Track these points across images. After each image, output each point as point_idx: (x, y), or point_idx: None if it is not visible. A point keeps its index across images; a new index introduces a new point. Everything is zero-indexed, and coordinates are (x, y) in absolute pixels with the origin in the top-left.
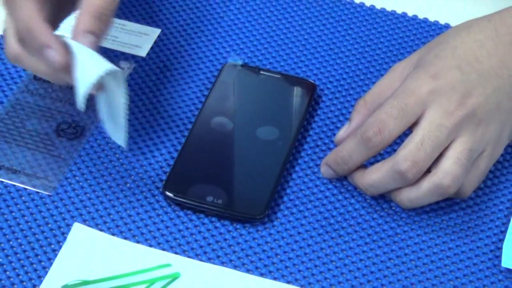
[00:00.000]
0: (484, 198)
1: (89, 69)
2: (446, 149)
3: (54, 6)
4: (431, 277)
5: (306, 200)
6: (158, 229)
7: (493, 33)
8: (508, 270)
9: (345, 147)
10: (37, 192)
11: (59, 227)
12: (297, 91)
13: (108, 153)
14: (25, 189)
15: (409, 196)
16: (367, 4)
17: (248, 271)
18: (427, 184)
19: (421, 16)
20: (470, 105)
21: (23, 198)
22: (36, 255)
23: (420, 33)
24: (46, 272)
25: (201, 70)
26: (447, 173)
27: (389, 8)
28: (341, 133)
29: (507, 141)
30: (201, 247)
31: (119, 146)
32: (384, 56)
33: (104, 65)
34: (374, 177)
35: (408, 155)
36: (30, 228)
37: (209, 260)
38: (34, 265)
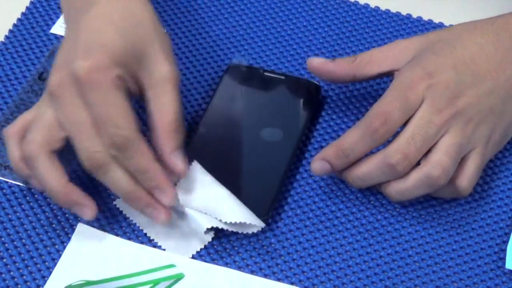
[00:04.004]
0: (488, 199)
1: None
2: (435, 144)
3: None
4: (435, 279)
5: (310, 201)
6: None
7: (494, 37)
8: None
9: (347, 140)
10: (41, 192)
11: (63, 228)
12: (301, 92)
13: None
14: (30, 189)
15: (399, 187)
16: (372, 5)
17: (251, 272)
18: (416, 175)
19: (425, 18)
20: (460, 104)
21: (28, 198)
22: (40, 255)
23: None
24: (50, 273)
25: (206, 71)
26: (437, 163)
27: (393, 10)
28: (316, 61)
29: (501, 143)
30: (205, 247)
31: None
32: None
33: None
34: (364, 170)
35: (399, 148)
36: (34, 228)
37: (212, 260)
38: (38, 265)
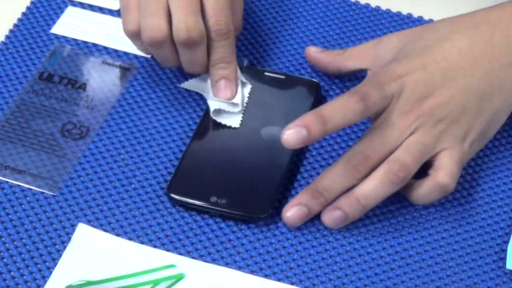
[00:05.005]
0: (488, 199)
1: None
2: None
3: None
4: (435, 279)
5: None
6: (163, 230)
7: (471, 30)
8: None
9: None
10: (42, 192)
11: (64, 227)
12: (301, 91)
13: (113, 153)
14: (30, 189)
15: (362, 190)
16: (373, 5)
17: (252, 272)
18: (377, 173)
19: (426, 18)
20: (427, 106)
21: (28, 198)
22: (41, 255)
23: None
24: (51, 273)
25: None
26: (396, 159)
27: (394, 10)
28: (312, 49)
29: (482, 141)
30: (205, 247)
31: (123, 146)
32: None
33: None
34: (327, 180)
35: (358, 149)
36: (35, 228)
37: (213, 261)
38: (39, 265)
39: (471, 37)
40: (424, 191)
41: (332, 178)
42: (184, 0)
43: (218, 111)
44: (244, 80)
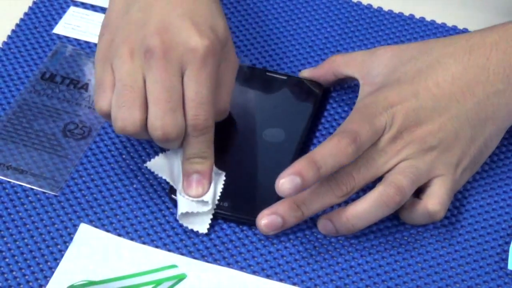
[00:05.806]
0: (490, 200)
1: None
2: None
3: None
4: (437, 280)
5: None
6: (164, 230)
7: (466, 55)
8: None
9: (318, 153)
10: (44, 193)
11: (66, 228)
12: (304, 92)
13: (115, 154)
14: (32, 189)
15: (355, 210)
16: (375, 5)
17: (254, 272)
18: (372, 194)
19: (428, 18)
20: (417, 134)
21: (30, 198)
22: (43, 255)
23: (427, 35)
24: (53, 273)
25: None
26: (391, 182)
27: (396, 10)
28: (306, 70)
29: (474, 168)
30: (207, 248)
31: (125, 147)
32: None
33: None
34: (312, 200)
35: (343, 168)
36: (37, 228)
37: (215, 261)
38: (41, 265)
39: (466, 62)
40: (414, 214)
41: (313, 192)
42: (163, 93)
43: (186, 214)
44: (218, 171)
